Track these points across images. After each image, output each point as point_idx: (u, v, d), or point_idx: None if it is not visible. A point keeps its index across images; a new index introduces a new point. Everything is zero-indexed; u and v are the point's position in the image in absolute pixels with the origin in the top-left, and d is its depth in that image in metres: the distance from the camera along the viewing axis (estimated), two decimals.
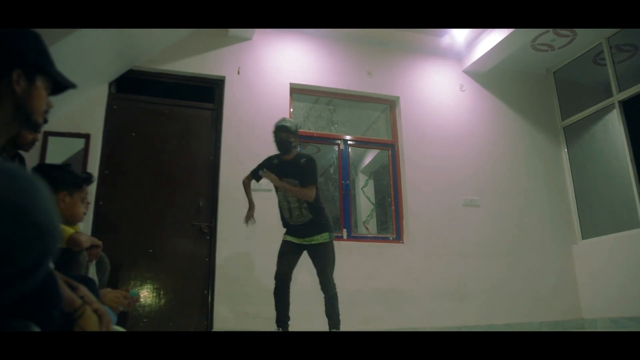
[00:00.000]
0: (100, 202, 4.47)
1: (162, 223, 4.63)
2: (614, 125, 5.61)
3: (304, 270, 4.06)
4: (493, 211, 5.63)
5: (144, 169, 4.73)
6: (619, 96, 5.54)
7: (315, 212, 3.82)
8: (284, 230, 3.96)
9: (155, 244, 4.56)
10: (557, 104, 6.37)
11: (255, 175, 4.03)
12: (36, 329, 0.96)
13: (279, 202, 3.93)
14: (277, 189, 3.92)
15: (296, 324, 3.77)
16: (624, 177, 5.42)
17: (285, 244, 3.85)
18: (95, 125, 4.61)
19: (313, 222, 3.80)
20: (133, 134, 4.80)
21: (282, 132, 3.88)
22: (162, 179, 4.75)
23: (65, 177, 2.39)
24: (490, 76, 6.14)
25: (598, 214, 5.72)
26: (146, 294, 4.42)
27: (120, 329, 1.62)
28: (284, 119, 3.97)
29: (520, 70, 6.35)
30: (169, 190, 4.73)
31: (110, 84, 4.83)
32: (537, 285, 5.46)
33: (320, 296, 3.77)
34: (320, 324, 3.80)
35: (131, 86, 4.95)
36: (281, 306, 3.68)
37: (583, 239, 5.80)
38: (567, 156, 6.15)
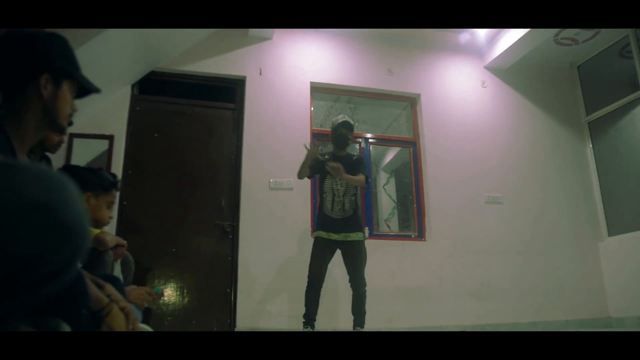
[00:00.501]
0: (124, 202, 4.54)
1: (185, 222, 4.68)
2: None
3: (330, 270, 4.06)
4: (516, 208, 5.55)
5: (167, 169, 4.79)
6: None
7: (356, 209, 3.90)
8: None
9: (178, 243, 4.61)
10: (581, 98, 6.25)
11: (314, 170, 3.94)
12: (66, 326, 0.98)
13: (324, 192, 3.95)
14: (323, 179, 3.93)
15: (320, 323, 3.78)
16: None
17: (319, 242, 3.84)
18: (118, 127, 4.68)
19: (352, 219, 3.85)
20: (155, 135, 4.86)
21: (344, 128, 3.96)
22: (185, 179, 4.80)
23: (93, 179, 2.41)
24: (512, 72, 6.04)
25: (625, 211, 5.59)
26: (170, 293, 4.48)
27: (145, 326, 1.65)
28: (344, 116, 4.04)
29: (543, 65, 6.24)
30: (191, 190, 4.78)
31: (132, 86, 4.89)
32: (563, 283, 5.37)
33: (345, 295, 3.77)
34: (345, 322, 3.80)
35: (153, 87, 5.01)
36: (312, 305, 3.69)
37: (609, 236, 5.68)
38: (592, 152, 6.03)
